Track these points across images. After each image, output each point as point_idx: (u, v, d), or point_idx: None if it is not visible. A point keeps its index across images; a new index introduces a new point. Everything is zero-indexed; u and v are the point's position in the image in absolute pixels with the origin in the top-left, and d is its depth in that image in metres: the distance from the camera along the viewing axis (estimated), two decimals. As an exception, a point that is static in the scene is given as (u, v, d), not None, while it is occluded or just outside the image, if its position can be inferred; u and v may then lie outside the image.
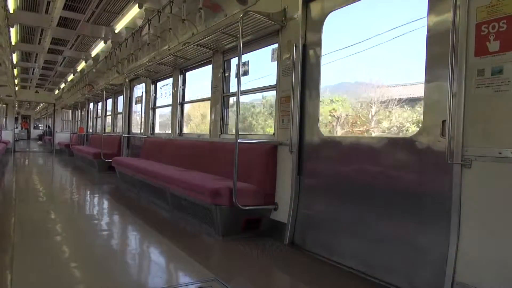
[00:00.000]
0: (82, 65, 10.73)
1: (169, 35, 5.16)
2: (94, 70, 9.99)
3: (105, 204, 5.31)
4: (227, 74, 4.88)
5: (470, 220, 2.06)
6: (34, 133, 31.23)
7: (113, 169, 6.87)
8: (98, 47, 8.48)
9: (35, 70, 12.22)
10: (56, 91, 16.79)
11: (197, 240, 3.47)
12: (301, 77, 3.37)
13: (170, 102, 6.36)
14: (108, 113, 11.02)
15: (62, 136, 16.91)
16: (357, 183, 2.83)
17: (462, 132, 2.11)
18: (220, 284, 2.37)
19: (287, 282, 2.75)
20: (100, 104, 11.64)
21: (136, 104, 8.48)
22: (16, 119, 26.53)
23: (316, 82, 3.28)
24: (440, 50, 2.28)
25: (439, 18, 2.33)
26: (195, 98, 6.40)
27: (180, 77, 6.09)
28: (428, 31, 2.39)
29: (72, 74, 12.46)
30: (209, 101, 5.09)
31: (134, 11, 5.85)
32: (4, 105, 14.67)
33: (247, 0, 4.07)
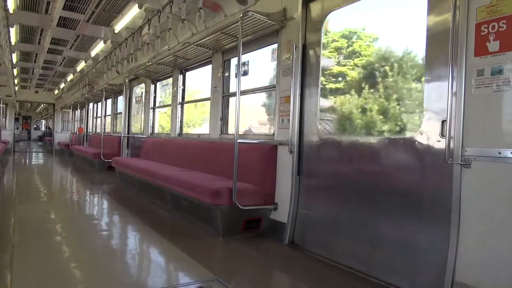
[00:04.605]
0: (82, 65, 10.74)
1: (169, 35, 5.15)
2: (94, 70, 9.98)
3: (105, 204, 5.31)
4: (227, 74, 4.88)
5: (470, 220, 2.06)
6: (35, 134, 31.23)
7: (113, 169, 6.88)
8: (98, 47, 8.49)
9: (35, 70, 12.21)
10: (56, 91, 16.80)
11: (197, 240, 3.47)
12: (300, 77, 3.37)
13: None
14: (108, 113, 11.03)
15: (62, 136, 16.92)
16: (357, 183, 2.83)
17: (462, 132, 2.11)
18: (220, 284, 2.37)
19: (287, 282, 2.75)
20: (100, 104, 11.64)
21: (136, 104, 8.49)
22: (17, 119, 26.53)
23: (316, 82, 3.27)
24: (439, 50, 2.28)
25: (439, 18, 2.33)
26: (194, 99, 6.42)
27: (180, 77, 6.09)
28: (428, 31, 2.39)
29: (72, 74, 12.46)
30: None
31: (134, 11, 5.85)
32: (3, 105, 14.65)
33: (247, 0, 4.07)
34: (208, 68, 5.24)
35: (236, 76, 3.96)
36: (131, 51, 6.70)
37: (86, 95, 11.53)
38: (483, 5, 2.04)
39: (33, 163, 11.77)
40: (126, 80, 8.19)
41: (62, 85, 15.03)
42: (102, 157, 8.21)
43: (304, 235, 3.30)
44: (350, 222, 2.86)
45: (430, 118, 2.34)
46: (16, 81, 13.53)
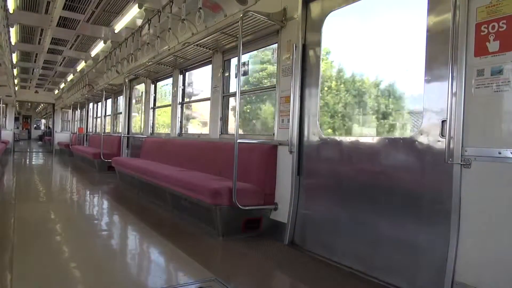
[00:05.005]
0: (82, 65, 10.73)
1: (169, 35, 5.16)
2: (94, 70, 9.98)
3: (105, 204, 5.31)
4: (227, 74, 4.88)
5: (470, 220, 2.07)
6: (35, 133, 31.24)
7: (113, 169, 6.87)
8: (98, 47, 8.48)
9: (35, 70, 12.20)
10: (56, 91, 16.79)
11: (197, 240, 3.47)
12: (300, 77, 3.37)
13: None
14: (108, 113, 11.03)
15: (62, 136, 16.91)
16: (357, 183, 2.83)
17: (462, 132, 2.11)
18: (220, 284, 2.37)
19: (287, 282, 2.75)
20: (100, 104, 11.65)
21: (136, 104, 8.49)
22: (17, 119, 26.53)
23: (316, 82, 3.28)
24: (439, 50, 2.28)
25: (439, 18, 2.33)
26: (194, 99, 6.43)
27: (180, 77, 6.09)
28: (428, 31, 2.39)
29: (72, 74, 12.45)
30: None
31: (134, 11, 5.85)
32: (3, 105, 14.65)
33: (247, 0, 4.07)
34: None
35: (236, 76, 3.97)
36: (131, 51, 6.71)
37: (86, 95, 11.53)
38: (483, 5, 2.04)
39: (33, 163, 11.77)
40: (126, 80, 8.19)
41: (62, 85, 15.01)
42: (102, 157, 8.21)
43: (304, 235, 3.30)
44: (350, 222, 2.86)
45: (430, 118, 2.34)
46: (16, 81, 13.51)
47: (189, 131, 6.28)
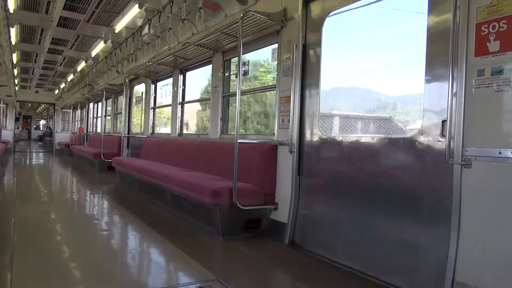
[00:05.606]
0: (82, 65, 10.73)
1: (169, 35, 5.16)
2: (94, 70, 9.98)
3: (105, 204, 5.31)
4: (227, 74, 4.88)
5: (470, 220, 2.06)
6: (35, 133, 31.26)
7: (113, 169, 6.88)
8: (98, 47, 8.48)
9: (35, 70, 12.20)
10: (56, 91, 16.79)
11: (197, 240, 3.47)
12: (301, 77, 3.37)
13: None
14: (109, 113, 11.03)
15: (62, 136, 16.92)
16: (357, 183, 2.83)
17: (462, 132, 2.11)
18: (220, 284, 2.37)
19: (287, 282, 2.75)
20: (100, 104, 11.64)
21: (136, 104, 8.49)
22: (17, 119, 26.54)
23: (316, 82, 3.28)
24: (440, 50, 2.28)
25: (439, 18, 2.33)
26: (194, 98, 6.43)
27: (180, 77, 6.09)
28: (428, 31, 2.39)
29: (72, 74, 12.45)
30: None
31: (134, 11, 5.85)
32: (4, 105, 14.66)
33: (247, 0, 4.07)
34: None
35: (236, 76, 3.96)
36: (131, 51, 6.71)
37: (86, 95, 11.52)
38: (483, 5, 2.04)
39: (33, 163, 11.78)
40: (126, 80, 8.19)
41: (62, 85, 15.02)
42: (102, 157, 8.21)
43: (304, 235, 3.30)
44: (350, 222, 2.86)
45: (431, 118, 2.34)
46: (16, 81, 13.52)
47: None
